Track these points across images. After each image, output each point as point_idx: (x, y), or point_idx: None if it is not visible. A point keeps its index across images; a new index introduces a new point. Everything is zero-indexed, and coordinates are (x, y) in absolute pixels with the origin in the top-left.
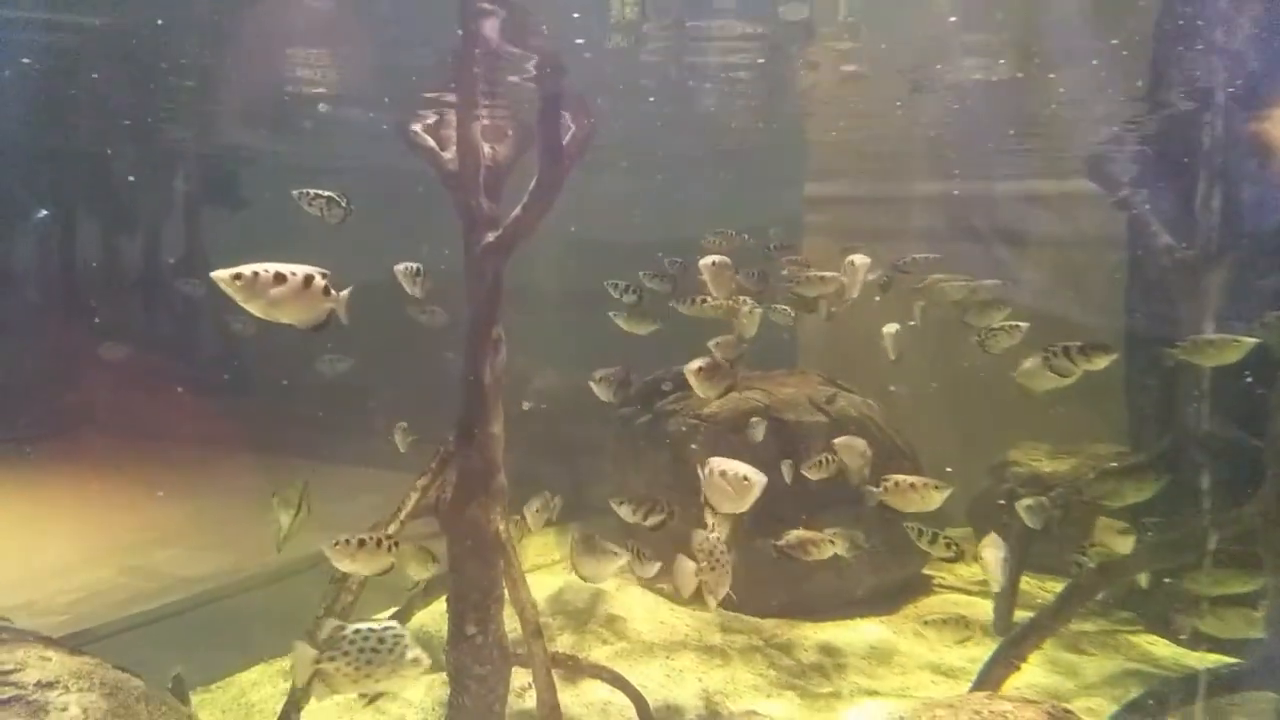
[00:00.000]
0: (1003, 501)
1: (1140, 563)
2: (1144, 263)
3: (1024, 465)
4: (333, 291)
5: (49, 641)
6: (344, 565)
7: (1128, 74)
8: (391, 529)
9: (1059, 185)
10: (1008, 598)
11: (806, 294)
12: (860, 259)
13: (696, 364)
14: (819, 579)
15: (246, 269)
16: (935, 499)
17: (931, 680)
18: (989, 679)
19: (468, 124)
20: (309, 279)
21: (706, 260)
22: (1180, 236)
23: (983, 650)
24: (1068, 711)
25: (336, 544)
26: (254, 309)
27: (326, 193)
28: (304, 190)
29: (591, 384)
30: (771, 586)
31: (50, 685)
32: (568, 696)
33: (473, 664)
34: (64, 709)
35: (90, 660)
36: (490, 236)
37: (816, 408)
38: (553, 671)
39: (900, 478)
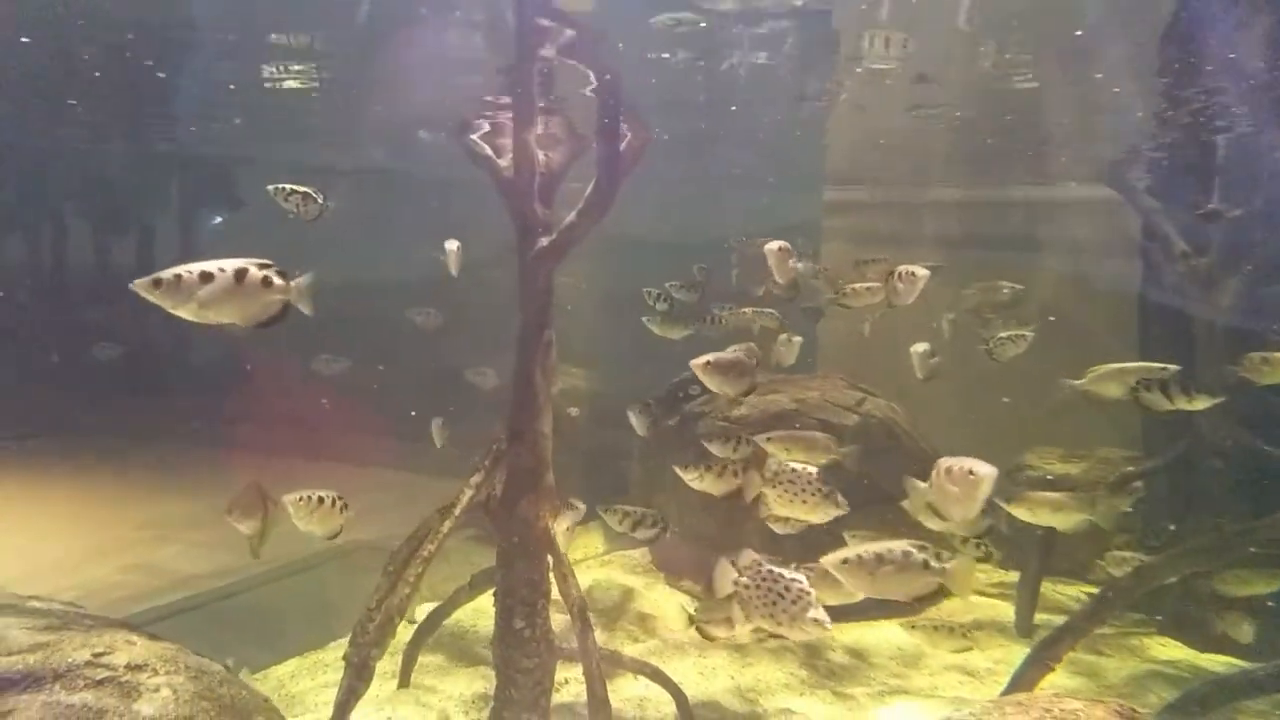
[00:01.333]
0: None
1: (1176, 567)
2: (1159, 269)
3: (1038, 469)
4: (279, 281)
5: (130, 627)
6: (301, 522)
7: (1143, 79)
8: (446, 526)
9: (1074, 191)
10: (1029, 600)
11: (852, 305)
12: (921, 270)
13: (705, 359)
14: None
15: (167, 273)
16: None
17: (959, 681)
18: (1023, 679)
19: (524, 133)
20: (242, 273)
21: (771, 245)
22: (1194, 243)
23: (1006, 652)
24: (1135, 711)
25: (299, 499)
26: (187, 314)
27: (303, 188)
28: (280, 185)
29: (630, 415)
30: None
31: (139, 668)
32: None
33: (520, 657)
34: (155, 690)
35: (170, 645)
36: (543, 242)
37: (846, 410)
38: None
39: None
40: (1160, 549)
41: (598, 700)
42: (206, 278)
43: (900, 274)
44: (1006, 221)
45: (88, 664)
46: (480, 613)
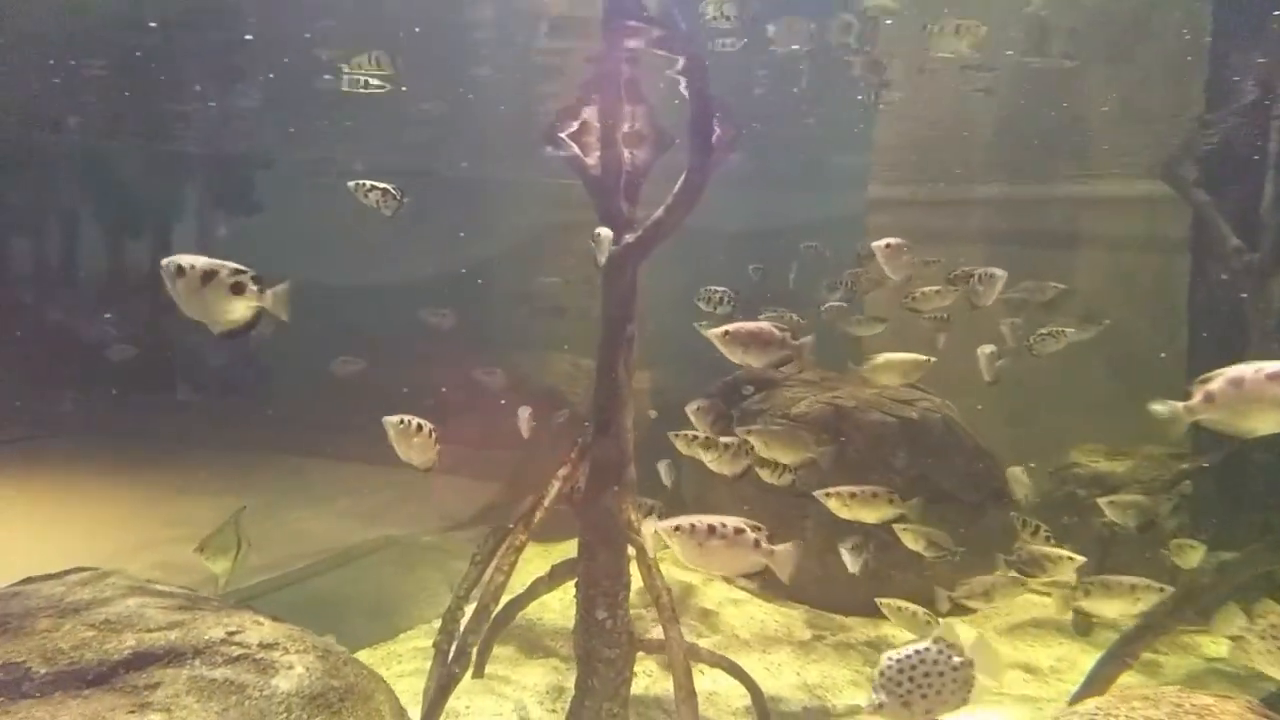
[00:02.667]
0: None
1: (1258, 563)
2: (1209, 266)
3: (1085, 467)
4: (253, 289)
5: (251, 609)
6: (400, 447)
7: (1195, 73)
8: (536, 516)
9: (1123, 188)
10: None
11: (922, 309)
12: (999, 271)
13: (723, 328)
14: (901, 580)
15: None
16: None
17: (1024, 679)
18: (1100, 676)
19: (611, 130)
20: (209, 274)
21: (881, 243)
22: (1247, 239)
23: (1066, 650)
24: (1266, 711)
25: (399, 422)
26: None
27: (382, 184)
28: (360, 181)
29: (689, 412)
30: (854, 586)
31: (271, 646)
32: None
33: (602, 647)
34: (290, 667)
35: (292, 626)
36: (629, 238)
37: (905, 405)
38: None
39: None
40: (1207, 544)
41: (684, 691)
42: (180, 273)
43: (980, 275)
44: (1053, 217)
45: (223, 641)
46: (545, 606)
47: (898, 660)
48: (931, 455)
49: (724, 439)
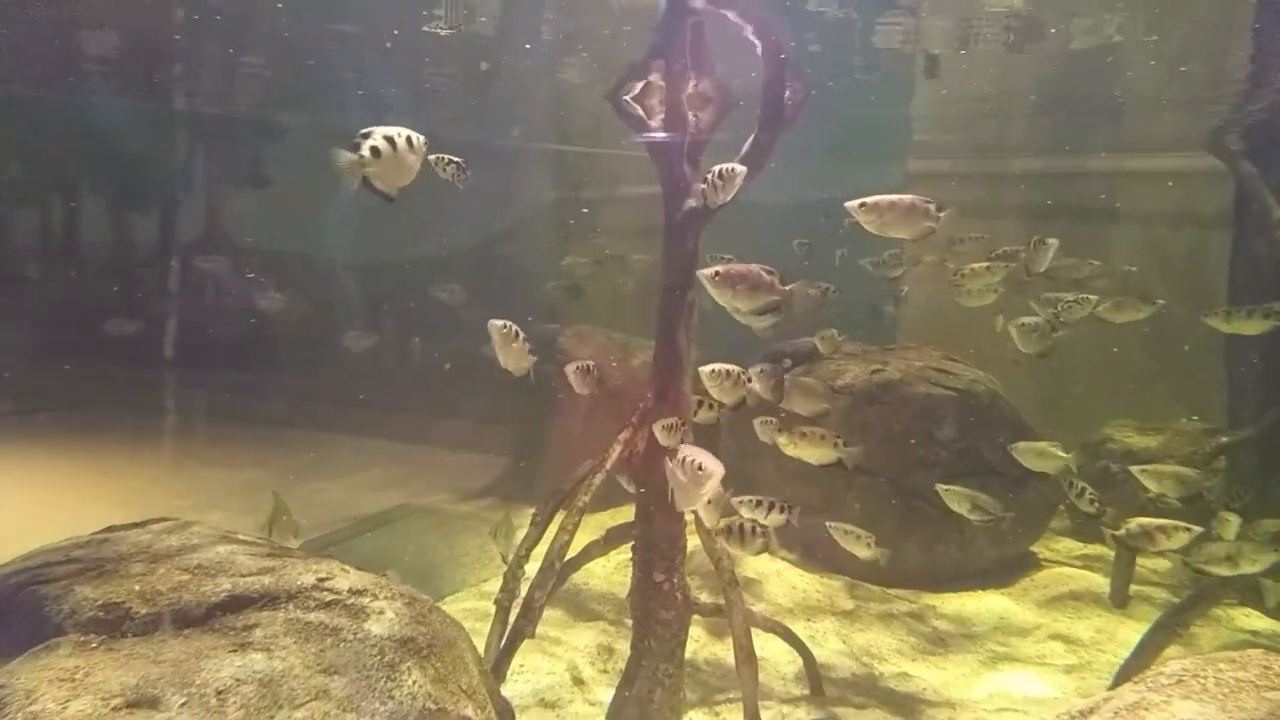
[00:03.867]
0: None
1: None
2: (1253, 239)
3: (1118, 442)
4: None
5: (332, 559)
6: (501, 350)
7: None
8: (597, 479)
9: (1165, 161)
10: (1125, 571)
11: (973, 286)
12: (1052, 240)
13: (714, 269)
14: (942, 550)
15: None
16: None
17: (1065, 649)
18: (1150, 645)
19: (675, 93)
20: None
21: (854, 203)
22: None
23: (1104, 622)
24: None
25: (502, 326)
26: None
27: (456, 158)
28: (440, 155)
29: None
30: (897, 559)
31: (360, 593)
32: (720, 649)
33: (659, 609)
34: (380, 612)
35: (376, 575)
36: (691, 203)
37: (950, 375)
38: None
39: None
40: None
41: (745, 653)
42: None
43: (1034, 242)
44: (1092, 192)
45: (314, 587)
46: (590, 574)
47: None
48: (977, 428)
49: (807, 430)
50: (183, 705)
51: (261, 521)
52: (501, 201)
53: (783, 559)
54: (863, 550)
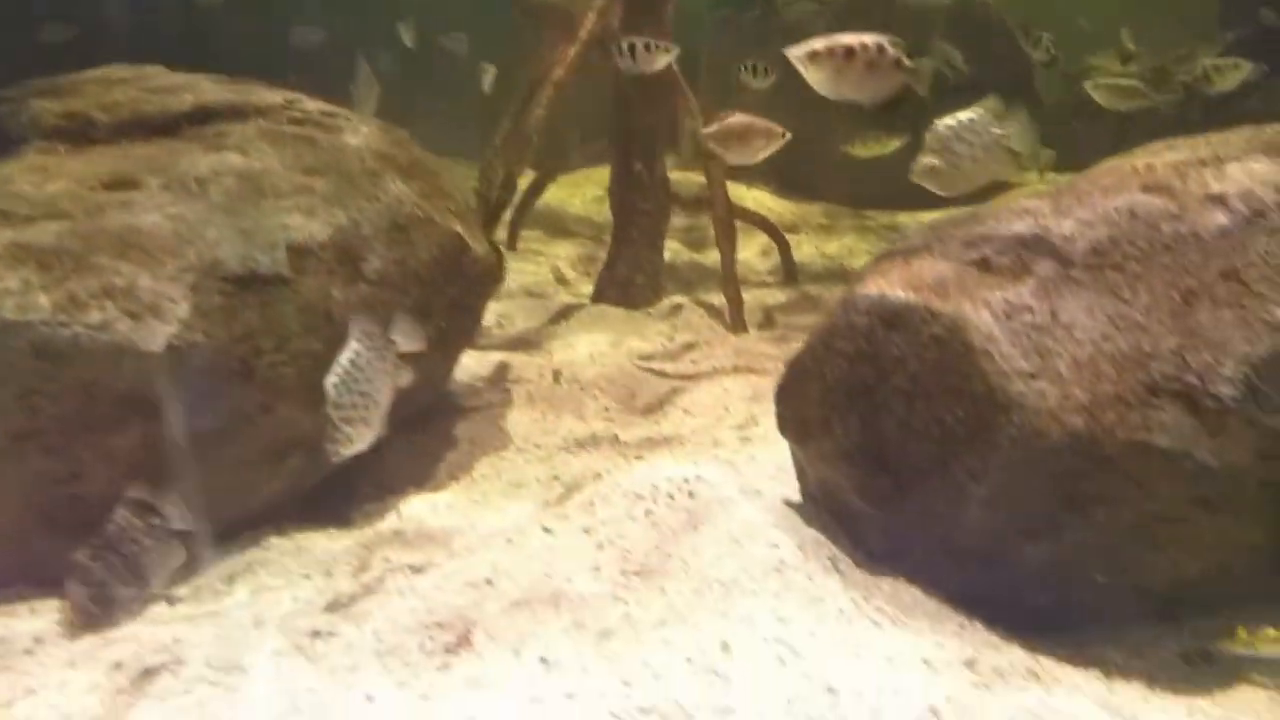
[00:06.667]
0: None
1: None
2: None
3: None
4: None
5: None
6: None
7: None
8: (573, 53)
9: None
10: None
11: None
12: None
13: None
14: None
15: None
16: None
17: None
18: None
19: None
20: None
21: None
22: None
23: None
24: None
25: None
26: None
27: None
28: None
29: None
30: (870, 182)
31: (332, 115)
32: (700, 255)
33: (638, 199)
34: (355, 131)
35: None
36: None
37: None
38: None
39: None
40: None
41: (724, 225)
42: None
43: None
44: None
45: (283, 107)
46: (566, 200)
47: (949, 125)
48: (971, 44)
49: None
50: (163, 187)
51: None
52: None
53: (760, 189)
54: None
